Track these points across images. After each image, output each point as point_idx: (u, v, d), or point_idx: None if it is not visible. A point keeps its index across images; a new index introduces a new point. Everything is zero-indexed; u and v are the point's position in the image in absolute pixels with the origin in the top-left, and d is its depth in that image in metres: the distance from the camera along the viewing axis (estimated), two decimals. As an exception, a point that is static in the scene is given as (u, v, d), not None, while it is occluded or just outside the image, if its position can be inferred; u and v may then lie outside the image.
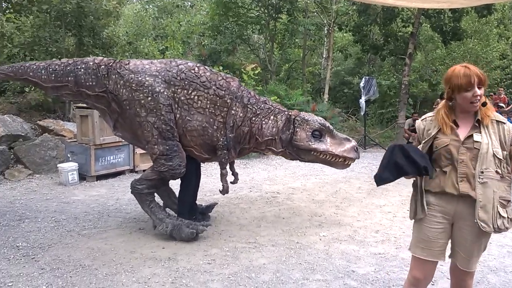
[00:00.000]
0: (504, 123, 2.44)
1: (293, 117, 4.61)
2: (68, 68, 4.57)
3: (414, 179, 2.60)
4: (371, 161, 9.69)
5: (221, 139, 4.51)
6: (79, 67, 4.56)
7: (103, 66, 4.55)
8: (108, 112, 4.70)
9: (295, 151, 4.62)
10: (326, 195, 6.64)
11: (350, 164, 4.72)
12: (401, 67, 14.84)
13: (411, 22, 13.53)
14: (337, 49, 17.33)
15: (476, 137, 2.40)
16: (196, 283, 3.58)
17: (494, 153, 2.37)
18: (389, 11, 13.12)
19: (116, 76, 4.48)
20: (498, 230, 2.38)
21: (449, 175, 2.47)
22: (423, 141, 2.58)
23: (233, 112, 4.53)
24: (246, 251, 4.29)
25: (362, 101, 11.63)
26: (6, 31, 11.03)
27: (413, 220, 2.65)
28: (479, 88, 2.38)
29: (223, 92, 4.51)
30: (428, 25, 14.68)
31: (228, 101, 4.52)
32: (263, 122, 4.60)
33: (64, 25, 11.26)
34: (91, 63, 4.58)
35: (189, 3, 21.62)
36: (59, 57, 11.51)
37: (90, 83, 4.54)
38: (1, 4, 11.41)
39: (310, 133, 4.56)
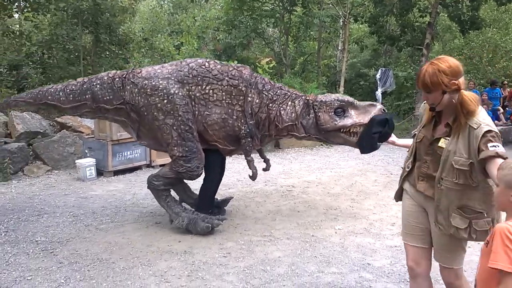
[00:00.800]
0: (475, 128, 2.17)
1: (311, 101, 4.58)
2: (85, 86, 4.62)
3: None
4: (387, 153, 9.59)
5: (243, 128, 4.52)
6: (94, 83, 4.61)
7: (117, 79, 4.59)
8: (129, 123, 4.74)
9: (323, 135, 4.57)
10: (342, 188, 6.60)
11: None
12: (418, 58, 14.61)
13: (428, 11, 13.31)
14: (352, 41, 17.16)
15: (442, 142, 2.31)
16: (211, 276, 3.61)
17: (452, 163, 2.21)
18: (406, 1, 12.93)
19: (131, 86, 4.51)
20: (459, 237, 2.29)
21: (416, 169, 2.48)
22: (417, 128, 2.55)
23: (249, 99, 4.53)
24: (261, 244, 4.30)
25: (379, 93, 11.52)
26: (25, 30, 11.27)
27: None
28: (427, 92, 2.28)
29: (237, 81, 4.52)
30: (446, 15, 14.41)
31: (243, 89, 4.52)
32: (281, 108, 4.59)
33: (81, 22, 11.42)
34: (106, 78, 4.63)
35: (204, -2, 21.63)
36: (76, 54, 11.71)
37: (108, 98, 4.58)
38: (19, 3, 11.59)
39: (333, 113, 4.49)
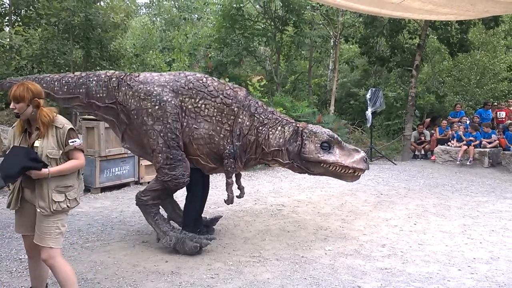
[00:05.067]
0: (61, 127, 3.00)
1: (301, 129, 4.59)
2: (81, 80, 4.63)
3: None
4: (377, 173, 9.60)
5: (228, 148, 4.49)
6: (91, 79, 4.62)
7: (114, 79, 4.59)
8: (116, 123, 4.72)
9: (304, 164, 4.59)
10: (332, 208, 6.56)
11: (360, 176, 4.69)
12: (408, 79, 14.78)
13: (418, 34, 13.50)
14: (343, 60, 17.30)
15: (36, 143, 2.97)
16: (198, 298, 3.52)
17: (47, 154, 2.94)
18: (396, 23, 13.11)
19: (126, 87, 4.52)
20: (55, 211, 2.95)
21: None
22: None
23: (239, 120, 4.52)
24: (250, 265, 4.23)
25: (369, 113, 11.56)
26: (15, 44, 11.19)
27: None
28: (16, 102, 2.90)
29: (230, 100, 4.52)
30: (435, 37, 14.65)
31: (235, 109, 4.52)
32: (270, 132, 4.59)
33: (72, 37, 11.38)
34: (103, 76, 4.64)
35: (196, 16, 21.80)
36: (66, 69, 11.64)
37: (101, 95, 4.58)
38: (10, 17, 11.55)
39: (318, 145, 4.53)
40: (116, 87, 4.56)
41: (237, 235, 5.16)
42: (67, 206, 3.03)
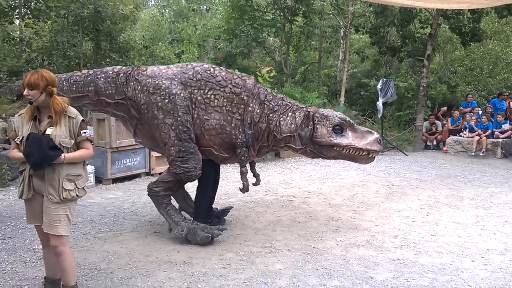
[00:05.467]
0: (74, 117, 3.06)
1: (312, 113, 4.56)
2: (89, 78, 4.60)
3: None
4: (388, 164, 9.53)
5: (240, 136, 4.48)
6: (99, 76, 4.59)
7: (122, 74, 4.57)
8: (127, 119, 4.72)
9: (317, 148, 4.56)
10: (343, 199, 6.54)
11: (374, 158, 4.65)
12: (419, 69, 14.62)
13: (429, 23, 13.32)
14: (353, 51, 17.18)
15: (48, 130, 2.99)
16: (211, 287, 3.53)
17: (60, 143, 2.98)
18: (407, 12, 12.94)
19: (134, 82, 4.51)
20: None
21: None
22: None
23: (250, 108, 4.50)
24: (261, 256, 4.23)
25: (380, 103, 11.44)
26: (25, 36, 11.22)
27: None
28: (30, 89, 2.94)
29: (239, 89, 4.50)
30: (447, 26, 14.43)
31: (245, 98, 4.50)
32: (281, 119, 4.56)
33: (81, 29, 11.40)
34: (110, 72, 4.61)
35: (205, 7, 21.72)
36: (76, 61, 11.69)
37: (110, 91, 4.57)
38: (20, 9, 11.59)
39: (331, 129, 4.50)
40: (125, 83, 4.55)
41: (248, 226, 5.16)
42: (76, 195, 3.09)
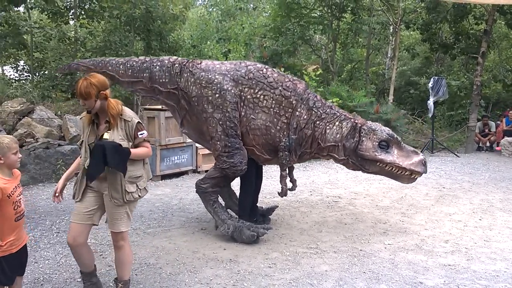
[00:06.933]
0: (129, 120, 3.09)
1: (360, 125, 4.50)
2: (145, 65, 4.75)
3: None
4: (439, 166, 9.22)
5: (283, 140, 4.48)
6: (154, 64, 4.73)
7: (177, 65, 4.69)
8: (177, 108, 4.83)
9: (359, 161, 4.52)
10: (391, 201, 6.39)
11: (416, 179, 4.60)
12: (473, 67, 14.00)
13: (484, 19, 12.71)
14: (403, 48, 16.66)
15: (106, 135, 3.06)
16: (257, 286, 3.56)
17: None
18: (461, 7, 12.41)
19: (188, 74, 4.61)
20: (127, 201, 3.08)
21: None
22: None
23: (297, 113, 4.49)
24: (307, 257, 4.21)
25: (431, 102, 11.06)
26: (80, 36, 11.69)
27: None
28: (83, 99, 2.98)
29: (289, 93, 4.49)
30: (503, 22, 13.73)
31: (294, 102, 4.49)
32: (327, 127, 4.53)
33: (133, 29, 11.75)
34: (166, 61, 4.74)
35: (252, 5, 21.79)
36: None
37: (163, 80, 4.69)
38: (75, 10, 12.11)
39: (377, 143, 4.44)
40: (179, 73, 4.66)
41: (293, 226, 5.16)
42: (139, 196, 3.18)
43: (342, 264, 4.05)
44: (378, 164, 4.46)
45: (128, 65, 4.76)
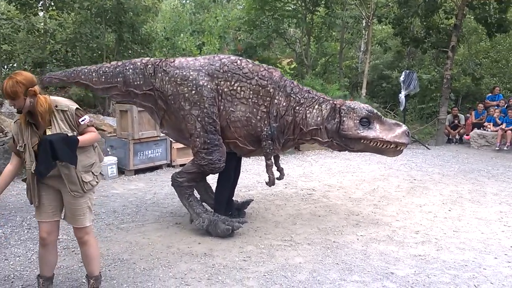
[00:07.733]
0: (66, 110, 2.93)
1: (339, 106, 4.53)
2: (117, 69, 4.67)
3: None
4: (410, 158, 9.42)
5: (265, 129, 4.49)
6: (127, 67, 4.65)
7: (150, 66, 4.63)
8: (155, 110, 4.78)
9: (344, 141, 4.55)
10: (363, 193, 6.50)
11: (402, 150, 4.61)
12: (443, 61, 14.32)
13: (454, 13, 13.02)
14: (376, 42, 16.90)
15: (48, 131, 2.89)
16: (232, 280, 3.57)
17: None
18: (431, 2, 12.66)
19: (162, 73, 4.55)
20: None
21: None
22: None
23: (276, 101, 4.51)
24: (281, 249, 4.25)
25: (402, 96, 11.30)
26: (49, 28, 11.40)
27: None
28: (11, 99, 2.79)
29: (266, 82, 4.50)
30: (472, 17, 14.07)
31: (271, 90, 4.50)
32: (307, 112, 4.55)
33: (104, 21, 11.52)
34: (139, 63, 4.67)
35: (226, -2, 21.65)
36: (99, 52, 11.83)
37: (138, 82, 4.63)
38: (44, 1, 11.77)
39: (358, 121, 4.47)
40: (153, 74, 4.60)
41: (268, 219, 5.19)
42: (96, 182, 3.12)
43: (315, 256, 4.11)
44: (362, 141, 4.50)
45: (101, 72, 4.67)
